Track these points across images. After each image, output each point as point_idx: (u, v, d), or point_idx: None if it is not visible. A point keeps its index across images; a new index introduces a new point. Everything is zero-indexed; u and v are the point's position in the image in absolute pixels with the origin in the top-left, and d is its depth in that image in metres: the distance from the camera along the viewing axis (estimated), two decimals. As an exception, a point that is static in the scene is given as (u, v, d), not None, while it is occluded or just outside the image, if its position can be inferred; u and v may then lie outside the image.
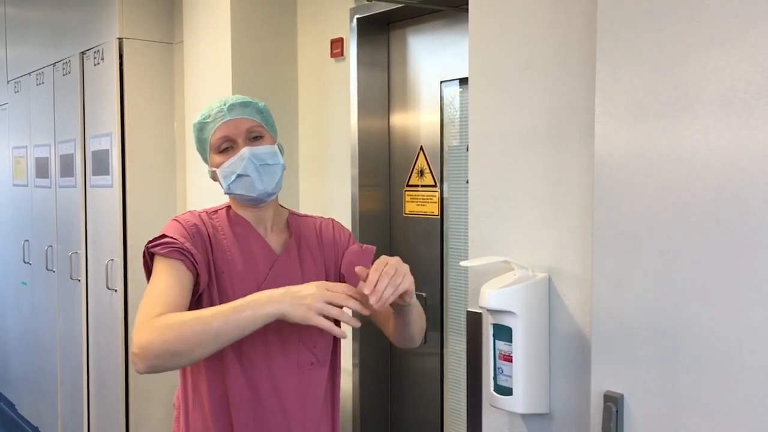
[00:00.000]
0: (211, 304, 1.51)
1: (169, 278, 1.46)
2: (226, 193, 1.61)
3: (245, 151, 1.54)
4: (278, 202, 1.68)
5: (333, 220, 1.74)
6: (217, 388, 1.55)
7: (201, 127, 1.59)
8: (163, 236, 1.52)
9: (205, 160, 1.63)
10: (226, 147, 1.56)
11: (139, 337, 1.36)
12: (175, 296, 1.44)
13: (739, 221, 1.05)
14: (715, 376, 1.08)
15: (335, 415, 1.68)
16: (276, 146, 1.60)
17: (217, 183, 1.62)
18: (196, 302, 1.52)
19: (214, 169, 1.59)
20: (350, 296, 1.37)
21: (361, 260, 1.63)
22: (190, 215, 1.60)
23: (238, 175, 1.55)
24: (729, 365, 1.06)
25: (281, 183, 1.61)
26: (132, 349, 1.37)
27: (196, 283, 1.51)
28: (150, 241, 1.53)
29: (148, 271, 1.55)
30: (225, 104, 1.57)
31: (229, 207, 1.65)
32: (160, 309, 1.39)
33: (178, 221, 1.57)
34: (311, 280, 1.58)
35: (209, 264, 1.54)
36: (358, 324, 1.43)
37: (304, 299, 1.34)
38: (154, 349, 1.34)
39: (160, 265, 1.49)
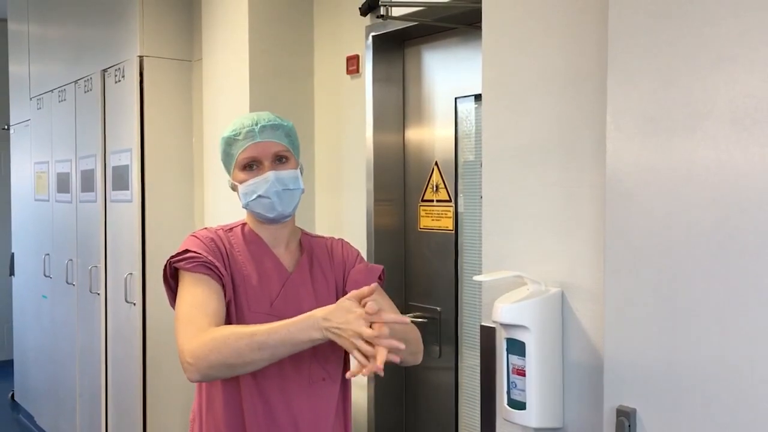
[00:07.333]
0: (228, 319, 1.54)
1: (205, 290, 1.50)
2: (243, 207, 1.64)
3: (270, 175, 1.57)
4: (294, 221, 1.70)
5: (343, 240, 1.76)
6: (231, 400, 1.57)
7: (230, 143, 1.61)
8: (187, 251, 1.54)
9: (229, 172, 1.65)
10: (252, 165, 1.59)
11: (193, 348, 1.41)
12: (216, 308, 1.49)
13: (750, 238, 1.06)
14: (727, 392, 1.08)
15: (347, 431, 1.69)
16: (298, 170, 1.63)
17: (235, 194, 1.64)
18: None
19: (236, 183, 1.62)
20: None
21: (367, 278, 1.65)
22: (206, 231, 1.63)
23: (259, 196, 1.57)
24: (740, 381, 1.07)
25: (298, 205, 1.64)
26: (185, 357, 1.42)
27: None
28: (173, 256, 1.56)
29: (168, 285, 1.58)
30: (257, 124, 1.59)
31: (244, 224, 1.67)
32: (207, 320, 1.45)
33: (196, 237, 1.60)
34: (322, 298, 1.61)
35: (229, 278, 1.56)
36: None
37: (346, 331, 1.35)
38: (210, 361, 1.40)
39: (190, 280, 1.52)
